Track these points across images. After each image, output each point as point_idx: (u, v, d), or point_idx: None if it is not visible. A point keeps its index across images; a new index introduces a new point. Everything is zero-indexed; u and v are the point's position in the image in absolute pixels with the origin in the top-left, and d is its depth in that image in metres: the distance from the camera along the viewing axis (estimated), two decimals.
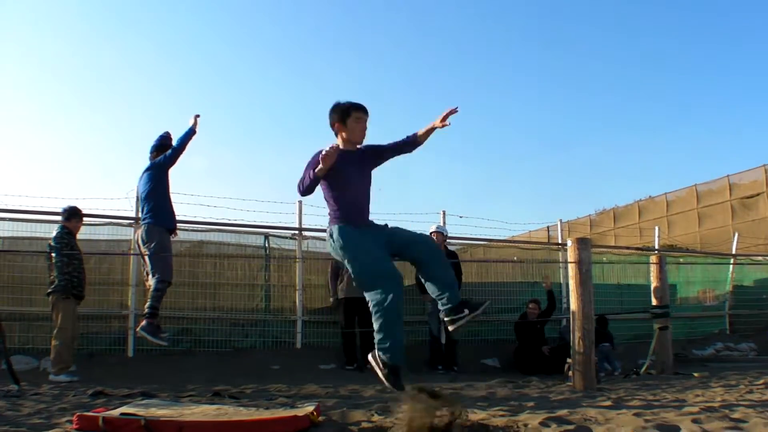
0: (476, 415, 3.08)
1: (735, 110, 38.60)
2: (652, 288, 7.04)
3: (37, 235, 6.96)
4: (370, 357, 3.15)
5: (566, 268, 7.58)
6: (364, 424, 2.97)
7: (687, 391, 4.73)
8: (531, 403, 3.87)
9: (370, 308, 3.08)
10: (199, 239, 7.75)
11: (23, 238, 7.07)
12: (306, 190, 3.19)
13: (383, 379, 3.06)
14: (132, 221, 7.05)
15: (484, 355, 7.92)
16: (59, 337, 5.68)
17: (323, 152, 3.03)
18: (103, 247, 7.29)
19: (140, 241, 5.20)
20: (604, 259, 10.71)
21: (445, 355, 7.29)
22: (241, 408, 3.35)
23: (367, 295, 3.09)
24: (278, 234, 7.95)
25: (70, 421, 2.95)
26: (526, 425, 2.86)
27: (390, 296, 2.99)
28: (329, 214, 3.34)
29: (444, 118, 3.29)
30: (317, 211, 9.40)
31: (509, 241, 9.80)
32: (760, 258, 12.46)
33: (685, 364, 7.46)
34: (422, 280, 3.25)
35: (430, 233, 7.69)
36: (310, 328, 7.73)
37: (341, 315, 7.26)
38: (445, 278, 3.19)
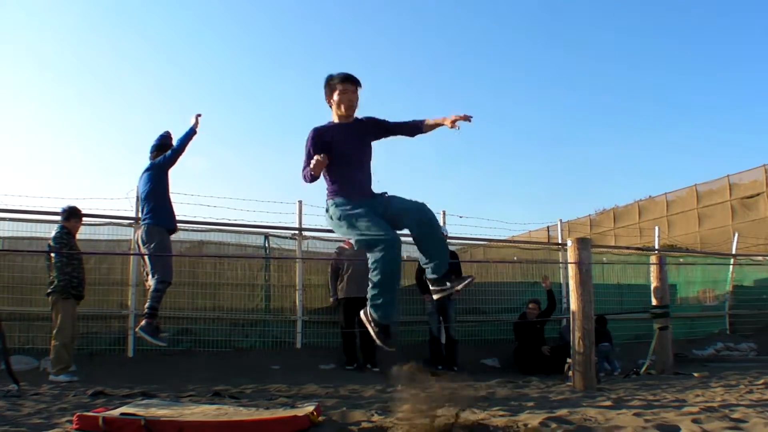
0: (476, 415, 3.08)
1: (735, 110, 38.65)
2: (652, 288, 7.04)
3: (37, 235, 6.95)
4: (362, 314, 3.25)
5: (566, 268, 7.59)
6: (364, 424, 2.97)
7: (687, 391, 4.73)
8: (531, 403, 3.87)
9: (369, 265, 3.15)
10: (199, 239, 7.75)
11: (23, 238, 7.07)
12: (310, 180, 3.23)
13: (374, 336, 3.16)
14: (132, 221, 7.04)
15: (484, 355, 7.92)
16: (59, 338, 5.68)
17: (312, 163, 3.08)
18: (103, 247, 7.29)
19: (140, 242, 5.20)
20: (604, 259, 10.71)
21: (444, 355, 7.30)
22: (241, 408, 3.35)
23: (368, 256, 3.14)
24: (278, 234, 7.95)
25: (70, 421, 2.95)
26: (526, 425, 2.86)
27: (387, 255, 3.03)
28: (326, 189, 3.35)
29: (455, 121, 3.24)
30: (317, 211, 9.38)
31: (509, 241, 9.80)
32: (760, 258, 12.46)
33: (685, 364, 7.46)
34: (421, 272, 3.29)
35: None
36: (310, 328, 7.73)
37: (341, 315, 7.26)
38: (434, 248, 3.23)
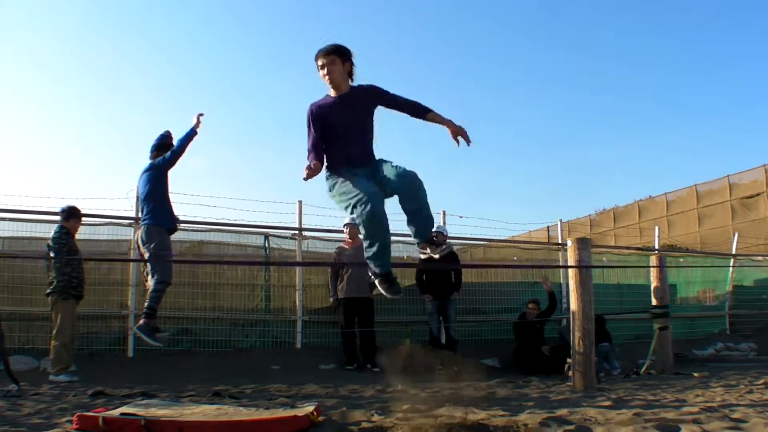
0: (476, 415, 3.08)
1: (735, 110, 38.67)
2: (652, 288, 7.04)
3: (37, 235, 6.95)
4: (369, 272, 3.33)
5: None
6: (364, 424, 2.97)
7: (687, 391, 4.73)
8: (531, 403, 3.87)
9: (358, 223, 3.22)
10: (199, 239, 7.75)
11: (23, 238, 7.07)
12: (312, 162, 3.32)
13: (381, 289, 3.24)
14: (132, 221, 7.04)
15: (484, 355, 7.92)
16: (59, 338, 5.67)
17: (305, 173, 3.13)
18: (103, 247, 7.29)
19: (140, 242, 5.21)
20: (604, 259, 10.71)
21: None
22: (241, 408, 3.35)
23: (353, 214, 3.18)
24: (278, 234, 7.95)
25: (70, 421, 2.95)
26: (526, 425, 2.86)
27: (365, 208, 3.06)
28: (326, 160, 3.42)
29: (456, 135, 3.27)
30: (317, 211, 9.41)
31: (509, 241, 9.80)
32: (760, 258, 12.46)
33: (685, 364, 7.46)
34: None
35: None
36: (310, 328, 7.73)
37: (341, 315, 7.26)
38: (416, 214, 3.28)
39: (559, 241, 9.46)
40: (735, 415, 3.03)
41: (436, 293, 7.43)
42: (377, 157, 3.39)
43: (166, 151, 5.33)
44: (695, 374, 6.34)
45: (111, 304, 7.18)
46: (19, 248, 7.13)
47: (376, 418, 3.13)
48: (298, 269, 7.84)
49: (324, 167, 3.33)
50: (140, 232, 5.25)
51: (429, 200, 3.27)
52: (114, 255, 7.32)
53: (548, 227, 13.62)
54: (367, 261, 3.27)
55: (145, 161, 5.46)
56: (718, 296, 10.67)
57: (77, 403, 3.86)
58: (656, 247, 10.87)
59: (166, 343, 5.55)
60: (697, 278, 10.73)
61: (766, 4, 32.87)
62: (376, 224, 3.11)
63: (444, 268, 7.53)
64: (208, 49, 43.95)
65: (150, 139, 5.50)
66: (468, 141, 3.28)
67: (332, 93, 3.35)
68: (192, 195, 7.63)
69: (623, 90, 40.88)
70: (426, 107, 3.35)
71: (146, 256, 5.14)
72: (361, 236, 3.27)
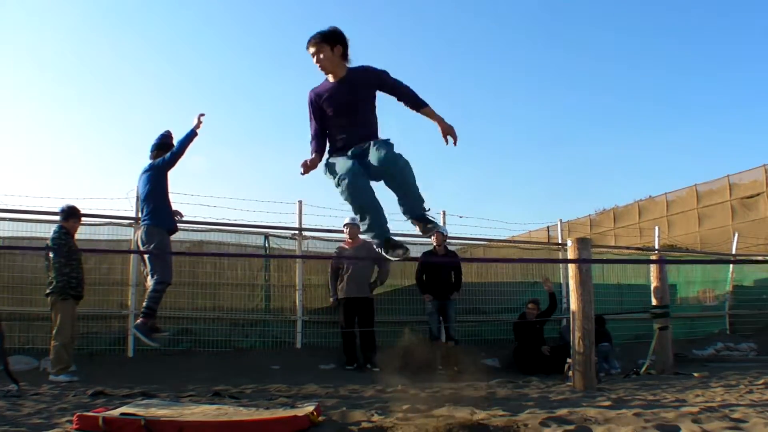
0: (476, 415, 3.08)
1: (735, 110, 38.68)
2: (652, 288, 7.04)
3: (37, 235, 6.95)
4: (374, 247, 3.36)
5: (566, 268, 7.59)
6: (364, 424, 2.97)
7: (687, 391, 4.73)
8: (531, 403, 3.87)
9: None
10: (199, 239, 7.75)
11: (23, 238, 7.06)
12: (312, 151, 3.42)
13: (389, 257, 3.25)
14: (132, 221, 7.04)
15: (484, 355, 7.92)
16: (58, 338, 5.67)
17: (302, 169, 3.33)
18: (103, 247, 7.28)
19: (140, 242, 5.21)
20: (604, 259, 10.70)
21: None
22: (241, 408, 3.35)
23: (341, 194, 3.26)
24: (278, 234, 7.95)
25: (70, 421, 2.95)
26: (526, 425, 2.86)
27: (345, 183, 3.14)
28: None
29: (446, 134, 3.32)
30: (317, 211, 9.40)
31: (509, 241, 9.80)
32: (760, 258, 12.46)
33: (685, 364, 7.45)
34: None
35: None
36: (310, 328, 7.73)
37: (341, 315, 7.26)
38: (403, 196, 3.29)
39: (559, 241, 9.46)
40: (735, 415, 3.03)
41: (436, 293, 7.43)
42: (381, 137, 3.37)
43: (166, 151, 5.33)
44: (695, 374, 6.33)
45: (111, 304, 7.18)
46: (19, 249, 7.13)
47: (376, 418, 3.13)
48: (298, 269, 7.83)
49: (327, 153, 3.41)
50: (140, 233, 5.25)
51: (416, 181, 3.26)
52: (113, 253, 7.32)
53: (548, 227, 13.63)
54: (367, 236, 3.32)
55: (145, 161, 5.46)
56: (718, 296, 10.67)
57: (77, 403, 3.86)
58: (656, 247, 10.87)
59: (165, 343, 5.56)
60: (697, 278, 10.73)
61: (766, 4, 32.89)
62: (357, 196, 3.16)
63: (443, 262, 7.52)
64: (208, 49, 44.00)
65: (150, 139, 5.51)
66: (455, 141, 3.33)
67: (330, 78, 3.37)
68: (192, 195, 7.64)
69: (623, 90, 40.94)
70: (423, 101, 3.37)
71: (146, 256, 5.14)
72: (357, 218, 3.32)
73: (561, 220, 10.35)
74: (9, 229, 7.07)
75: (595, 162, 40.99)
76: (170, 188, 5.42)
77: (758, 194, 17.11)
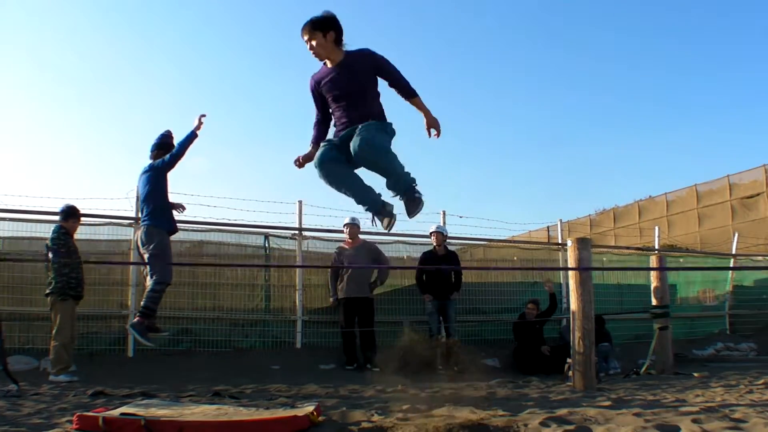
0: (476, 415, 3.08)
1: (735, 110, 38.68)
2: (652, 288, 7.04)
3: (37, 235, 6.94)
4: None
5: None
6: (364, 424, 2.97)
7: (687, 391, 4.73)
8: (531, 403, 3.87)
9: None
10: (199, 239, 7.75)
11: (23, 238, 7.07)
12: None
13: (383, 225, 3.36)
14: (132, 221, 7.04)
15: (484, 355, 7.92)
16: (58, 338, 5.67)
17: (296, 166, 3.46)
18: (103, 247, 7.29)
19: (140, 243, 5.20)
20: (604, 259, 10.70)
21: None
22: (241, 408, 3.35)
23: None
24: (278, 234, 7.95)
25: (70, 421, 2.95)
26: (526, 425, 2.86)
27: (317, 168, 3.24)
28: None
29: (430, 126, 3.34)
30: (317, 211, 9.40)
31: (509, 241, 9.80)
32: (760, 258, 12.46)
33: (685, 364, 7.46)
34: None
35: (430, 233, 7.70)
36: (310, 328, 7.73)
37: (341, 315, 7.26)
38: (384, 176, 3.30)
39: (559, 241, 9.46)
40: (735, 415, 3.03)
41: (436, 293, 7.43)
42: (379, 120, 3.33)
43: (166, 151, 5.33)
44: (695, 374, 6.33)
45: (111, 304, 7.18)
46: (19, 248, 7.13)
47: (376, 418, 3.13)
48: (298, 270, 7.84)
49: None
50: (140, 233, 5.25)
51: (395, 161, 3.24)
52: (114, 255, 7.32)
53: (548, 227, 13.63)
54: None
55: (145, 161, 5.46)
56: (718, 296, 10.67)
57: (77, 403, 3.86)
58: (656, 247, 10.87)
59: (166, 343, 5.55)
60: (697, 278, 10.73)
61: (766, 4, 32.90)
62: (332, 182, 3.24)
63: (443, 268, 7.53)
64: (208, 49, 44.00)
65: (150, 139, 5.51)
66: (438, 134, 3.35)
67: (328, 63, 3.37)
68: (192, 195, 7.64)
69: (623, 90, 40.94)
70: (414, 91, 3.37)
71: (146, 257, 5.14)
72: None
73: (561, 220, 10.35)
74: (9, 229, 7.07)
75: (595, 162, 41.02)
76: (170, 189, 5.42)
77: (758, 194, 17.12)
